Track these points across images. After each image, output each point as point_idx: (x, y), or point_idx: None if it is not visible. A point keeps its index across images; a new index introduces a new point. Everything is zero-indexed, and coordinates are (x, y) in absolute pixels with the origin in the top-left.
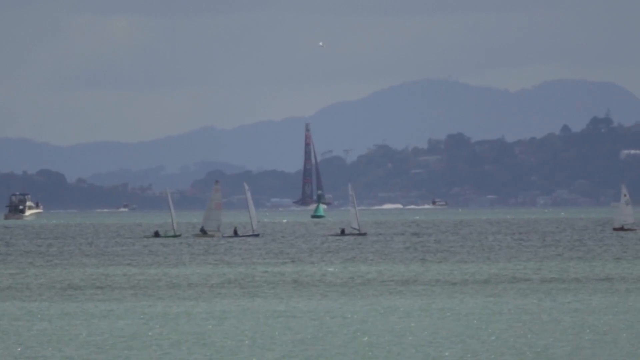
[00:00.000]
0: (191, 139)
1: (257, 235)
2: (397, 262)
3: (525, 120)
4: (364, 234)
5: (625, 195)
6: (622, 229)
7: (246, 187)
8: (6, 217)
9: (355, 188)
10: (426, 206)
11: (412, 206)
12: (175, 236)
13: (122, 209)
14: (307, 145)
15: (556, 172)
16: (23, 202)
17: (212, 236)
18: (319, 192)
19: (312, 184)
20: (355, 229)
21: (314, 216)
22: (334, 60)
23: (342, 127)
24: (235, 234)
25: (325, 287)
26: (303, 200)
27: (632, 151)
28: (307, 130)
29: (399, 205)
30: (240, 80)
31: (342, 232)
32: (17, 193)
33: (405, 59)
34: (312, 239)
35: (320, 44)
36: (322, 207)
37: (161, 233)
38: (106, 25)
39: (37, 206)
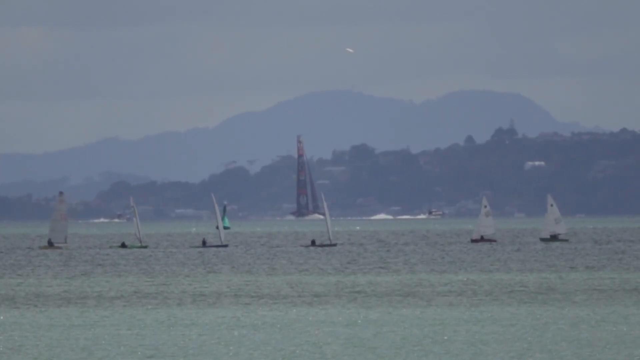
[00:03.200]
0: (95, 150)
1: (225, 246)
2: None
3: (429, 131)
4: (334, 245)
5: (485, 207)
6: (481, 239)
7: (214, 198)
8: None
9: (259, 199)
10: (422, 216)
11: (406, 216)
12: (142, 247)
13: (117, 220)
14: (300, 156)
15: (461, 183)
16: None
17: (59, 248)
18: (224, 202)
19: (307, 195)
20: (327, 238)
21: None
22: (238, 71)
23: (246, 137)
24: (204, 244)
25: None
26: (299, 212)
27: (537, 162)
28: (300, 142)
29: (389, 216)
30: (144, 91)
31: (313, 243)
32: None
33: (310, 69)
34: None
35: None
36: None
37: (127, 244)
38: (11, 36)
39: None
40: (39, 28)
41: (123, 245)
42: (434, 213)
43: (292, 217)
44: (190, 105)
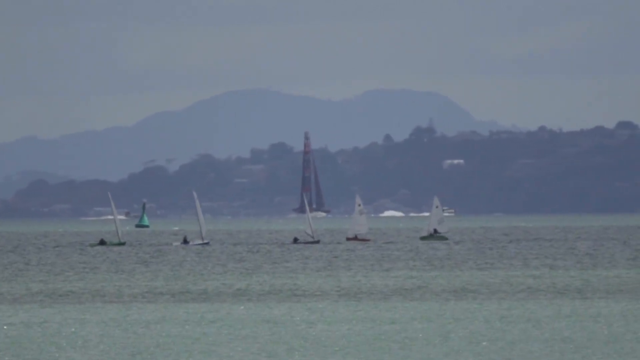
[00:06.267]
0: (14, 149)
1: (207, 244)
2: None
3: (348, 129)
4: (317, 242)
5: (359, 205)
6: (355, 238)
7: (195, 195)
8: None
9: (178, 198)
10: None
11: (413, 214)
12: (120, 244)
13: (124, 217)
14: (306, 153)
15: (378, 182)
16: None
17: None
18: (144, 201)
19: (311, 192)
20: (309, 235)
21: (138, 225)
22: (156, 70)
23: (164, 136)
24: (185, 241)
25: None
26: (302, 209)
27: (455, 161)
28: (307, 138)
29: (400, 213)
30: (63, 89)
31: (295, 241)
32: None
33: (228, 68)
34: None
35: None
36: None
37: (107, 241)
38: None
39: None
40: None
41: (102, 243)
42: (445, 210)
43: (294, 215)
44: (109, 104)
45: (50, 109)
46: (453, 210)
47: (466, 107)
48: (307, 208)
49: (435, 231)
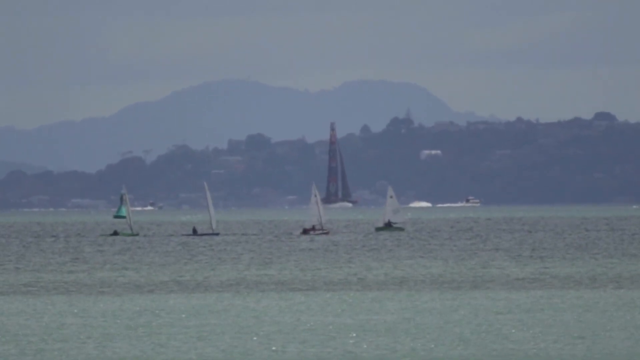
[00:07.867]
0: None
1: (217, 234)
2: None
3: (325, 120)
4: (327, 233)
5: (315, 196)
6: (313, 229)
7: (206, 186)
8: None
9: (155, 189)
10: (459, 204)
11: (448, 204)
12: (133, 235)
13: (149, 207)
14: (332, 144)
15: (356, 173)
16: None
17: None
18: (122, 192)
19: (337, 182)
20: (319, 226)
21: (116, 216)
22: (133, 61)
23: (142, 127)
24: (195, 232)
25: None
26: (328, 199)
27: (433, 151)
28: (332, 129)
29: (428, 204)
30: (40, 80)
31: (305, 232)
32: None
33: (205, 59)
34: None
35: None
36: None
37: (119, 232)
38: None
39: None
40: None
41: (115, 233)
42: (471, 201)
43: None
44: (86, 95)
45: (27, 99)
46: (479, 201)
47: (444, 98)
48: (318, 199)
49: (390, 222)
